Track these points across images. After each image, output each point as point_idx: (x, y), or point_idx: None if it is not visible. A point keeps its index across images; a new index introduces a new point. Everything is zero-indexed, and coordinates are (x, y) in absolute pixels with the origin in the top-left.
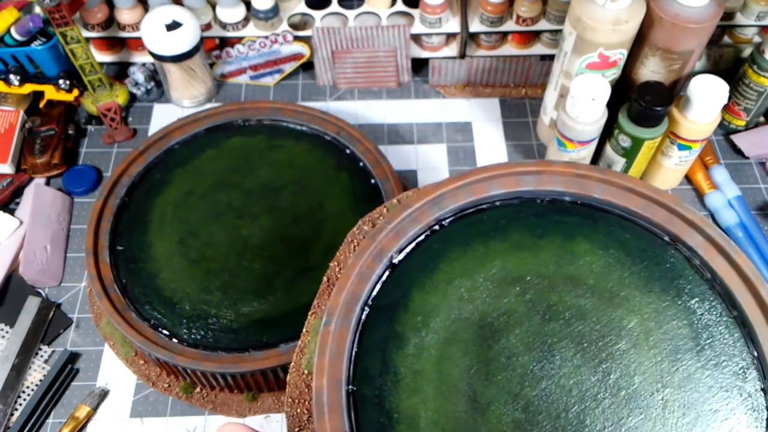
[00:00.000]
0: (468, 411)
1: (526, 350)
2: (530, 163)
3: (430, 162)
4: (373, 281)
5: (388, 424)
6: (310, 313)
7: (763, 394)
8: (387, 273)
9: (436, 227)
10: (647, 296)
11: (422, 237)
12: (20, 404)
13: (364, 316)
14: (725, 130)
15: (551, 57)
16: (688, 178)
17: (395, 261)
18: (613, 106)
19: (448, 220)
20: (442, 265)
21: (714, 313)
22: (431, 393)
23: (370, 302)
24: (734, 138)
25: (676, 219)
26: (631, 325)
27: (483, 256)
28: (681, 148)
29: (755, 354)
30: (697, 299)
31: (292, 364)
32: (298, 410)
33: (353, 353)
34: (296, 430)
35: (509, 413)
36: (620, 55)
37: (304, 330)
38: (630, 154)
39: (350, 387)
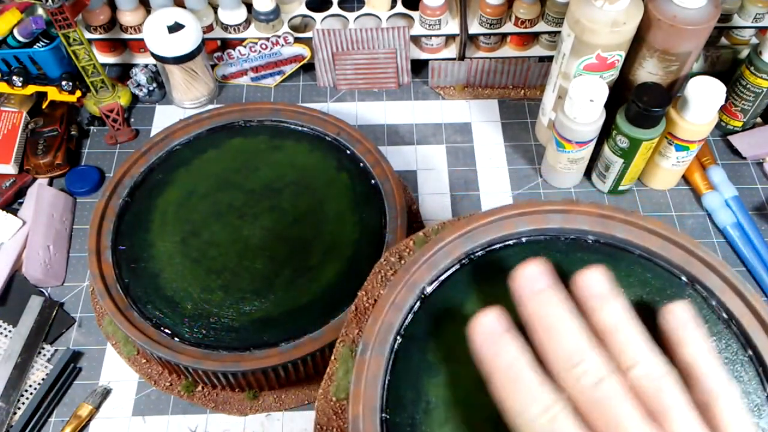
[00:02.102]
0: None
1: None
2: (557, 202)
3: (430, 162)
4: (405, 311)
5: None
6: (338, 341)
7: None
8: (419, 304)
9: (465, 261)
10: None
11: (453, 270)
12: (23, 403)
13: (396, 346)
14: (722, 131)
15: (550, 59)
16: (685, 179)
17: (427, 292)
18: (611, 107)
19: (477, 254)
20: (472, 297)
21: (730, 351)
22: (462, 422)
23: (402, 332)
24: (731, 139)
25: (694, 260)
26: None
27: (506, 292)
28: (678, 148)
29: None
30: (714, 338)
31: (320, 391)
32: None
33: (386, 382)
34: None
35: None
36: (618, 56)
37: (332, 358)
38: (628, 155)
39: (384, 415)
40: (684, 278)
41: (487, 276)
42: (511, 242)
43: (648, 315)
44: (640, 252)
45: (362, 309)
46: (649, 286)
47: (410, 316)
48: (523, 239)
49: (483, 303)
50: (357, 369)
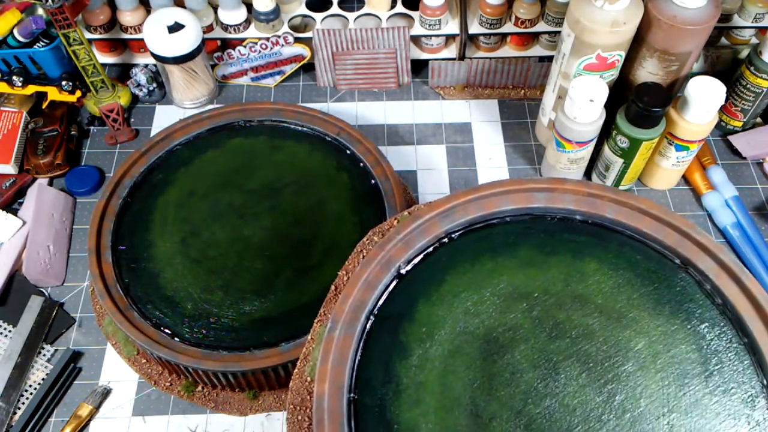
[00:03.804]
0: (469, 425)
1: (530, 367)
2: (542, 180)
3: (430, 162)
4: (379, 290)
5: None
6: (315, 321)
7: None
8: (394, 283)
9: (445, 240)
10: (656, 318)
11: (431, 249)
12: (23, 403)
13: (369, 325)
14: (722, 131)
15: (550, 59)
16: (685, 179)
17: (403, 272)
18: (611, 107)
19: (457, 234)
20: (450, 278)
21: (724, 339)
22: (433, 405)
23: (375, 311)
24: (731, 139)
25: (688, 242)
26: (638, 347)
27: (491, 270)
28: (678, 148)
29: (765, 382)
30: (707, 324)
31: (296, 371)
32: (299, 417)
33: (356, 362)
34: None
35: (511, 430)
36: (618, 56)
37: (309, 338)
38: (628, 155)
39: (352, 395)
40: (677, 261)
41: (466, 256)
42: (494, 221)
43: (636, 297)
44: (631, 233)
45: (341, 288)
46: (640, 268)
47: (384, 296)
48: (507, 218)
49: (460, 283)
50: (324, 347)
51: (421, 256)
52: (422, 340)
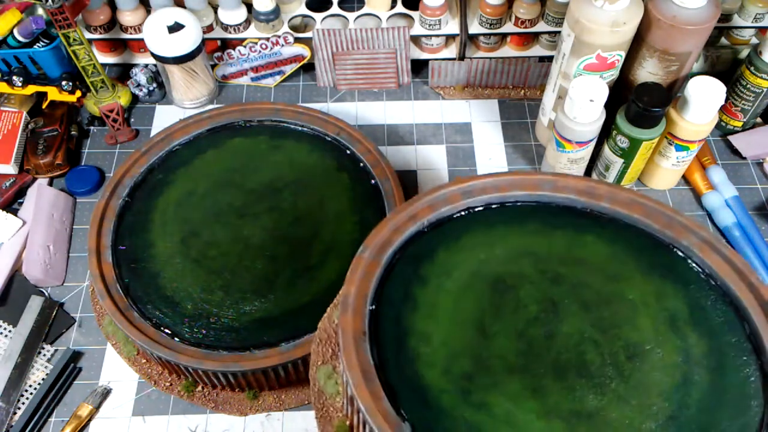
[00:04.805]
0: (475, 337)
1: (533, 302)
2: (549, 173)
3: (430, 162)
4: (406, 235)
5: (402, 337)
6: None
7: (757, 367)
8: (418, 233)
9: (464, 211)
10: (648, 279)
11: (452, 215)
12: (23, 403)
13: (394, 260)
14: (722, 131)
15: (550, 59)
16: (685, 179)
17: (425, 228)
18: (611, 107)
19: (476, 208)
20: (466, 237)
21: (710, 298)
22: (444, 320)
23: (401, 250)
24: (731, 139)
25: (675, 224)
26: (631, 296)
27: (503, 234)
28: (678, 148)
29: (748, 330)
30: (693, 285)
31: (326, 315)
32: (323, 349)
33: (379, 284)
34: (319, 362)
35: (513, 344)
36: (618, 56)
37: (340, 292)
38: (628, 155)
39: (372, 306)
40: (666, 239)
41: (482, 223)
42: (507, 203)
43: (630, 262)
44: (625, 221)
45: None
46: (633, 243)
47: (410, 240)
48: (518, 203)
49: (476, 241)
50: (355, 262)
51: (444, 218)
52: (439, 276)
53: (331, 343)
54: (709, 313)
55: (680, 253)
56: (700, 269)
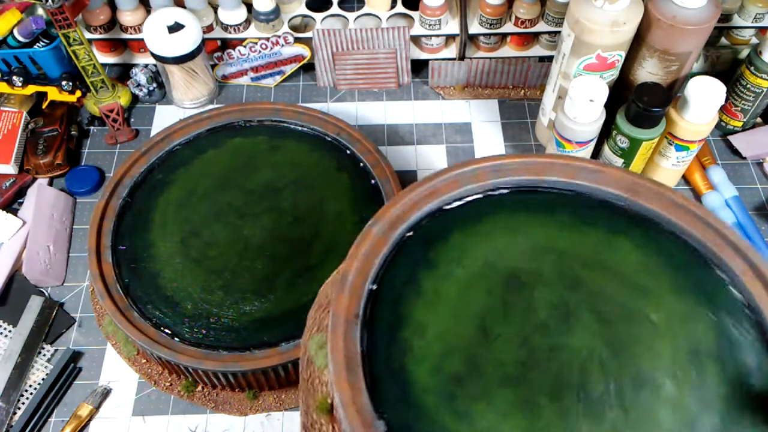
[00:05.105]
0: (474, 335)
1: (545, 306)
2: (592, 161)
3: (430, 162)
4: (421, 213)
5: (396, 325)
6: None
7: None
8: (436, 212)
9: (492, 191)
10: (678, 298)
11: (477, 195)
12: (23, 403)
13: (404, 239)
14: (722, 131)
15: (550, 59)
16: (685, 179)
17: (446, 207)
18: (611, 107)
19: (504, 190)
20: (488, 220)
21: (744, 334)
22: (445, 312)
23: (413, 228)
24: (731, 139)
25: (720, 240)
26: (655, 316)
27: (527, 223)
28: (678, 148)
29: None
30: (728, 315)
31: (330, 279)
32: (320, 315)
33: (385, 262)
34: (314, 329)
35: (513, 351)
36: (618, 56)
37: (340, 267)
38: (628, 155)
39: (373, 286)
40: (708, 255)
41: (507, 207)
42: (540, 188)
43: (661, 274)
44: (667, 227)
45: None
46: (669, 255)
47: (425, 218)
48: (553, 190)
49: (497, 227)
50: (362, 237)
51: (466, 197)
52: (450, 261)
53: (328, 311)
54: (738, 350)
55: (723, 276)
56: (741, 298)
